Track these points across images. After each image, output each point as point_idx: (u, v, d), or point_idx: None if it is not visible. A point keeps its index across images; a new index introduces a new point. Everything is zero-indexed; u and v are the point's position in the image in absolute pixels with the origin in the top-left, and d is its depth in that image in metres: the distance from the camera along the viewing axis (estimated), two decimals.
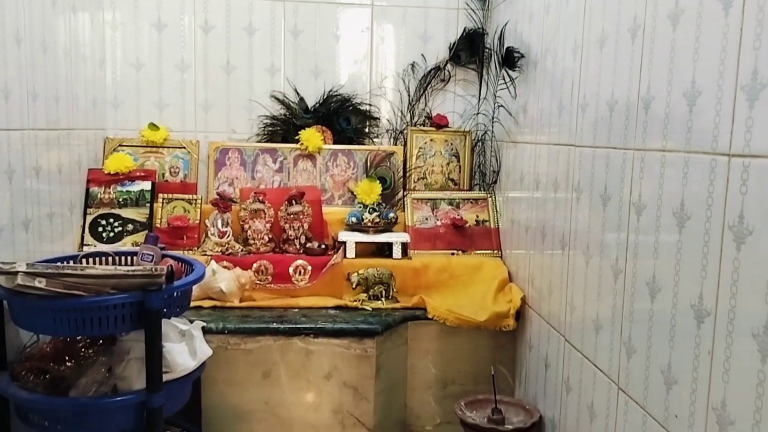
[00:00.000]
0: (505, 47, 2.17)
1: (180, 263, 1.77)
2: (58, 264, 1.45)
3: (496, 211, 2.41)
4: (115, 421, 1.51)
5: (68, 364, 1.65)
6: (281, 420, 1.95)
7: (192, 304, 1.89)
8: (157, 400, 1.51)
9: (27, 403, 1.52)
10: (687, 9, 1.15)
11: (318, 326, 1.96)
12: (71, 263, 1.70)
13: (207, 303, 2.05)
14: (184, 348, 1.59)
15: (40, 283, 1.40)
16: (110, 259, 1.81)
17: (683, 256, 1.15)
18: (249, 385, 1.93)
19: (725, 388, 1.02)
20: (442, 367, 2.13)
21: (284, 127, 2.55)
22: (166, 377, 1.54)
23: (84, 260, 1.76)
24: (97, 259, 1.80)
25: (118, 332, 1.55)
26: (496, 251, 2.34)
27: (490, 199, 2.44)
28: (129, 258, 1.83)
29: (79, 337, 1.70)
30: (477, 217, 2.41)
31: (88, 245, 2.20)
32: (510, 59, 2.11)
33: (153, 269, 1.50)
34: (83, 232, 2.22)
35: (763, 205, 0.95)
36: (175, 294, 1.59)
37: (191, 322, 1.73)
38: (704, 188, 1.08)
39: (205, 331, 1.78)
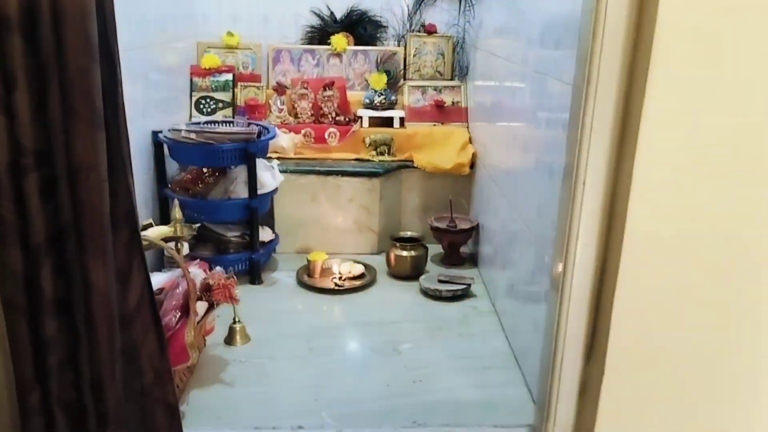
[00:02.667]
0: None
1: (260, 127, 2.93)
2: (200, 125, 2.61)
3: (467, 95, 3.48)
4: (231, 213, 2.75)
5: (200, 185, 2.87)
6: (323, 226, 3.17)
7: None
8: (254, 202, 2.73)
9: (184, 202, 2.72)
10: None
11: (344, 169, 3.13)
12: (205, 125, 2.87)
13: (273, 155, 3.22)
14: (269, 174, 2.78)
15: (194, 135, 2.57)
16: (218, 124, 2.97)
17: None
18: (303, 204, 3.14)
19: None
20: (423, 199, 3.31)
21: (320, 33, 3.59)
22: (259, 191, 2.74)
23: (206, 125, 2.93)
24: (213, 124, 2.97)
25: (231, 164, 2.74)
26: (464, 123, 3.44)
27: (463, 86, 3.50)
28: (226, 124, 2.98)
29: (205, 170, 2.91)
30: (453, 99, 3.49)
31: (195, 116, 3.35)
32: None
33: (251, 130, 2.66)
34: (191, 108, 3.37)
35: None
36: (261, 144, 2.77)
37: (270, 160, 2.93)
38: None
39: None
